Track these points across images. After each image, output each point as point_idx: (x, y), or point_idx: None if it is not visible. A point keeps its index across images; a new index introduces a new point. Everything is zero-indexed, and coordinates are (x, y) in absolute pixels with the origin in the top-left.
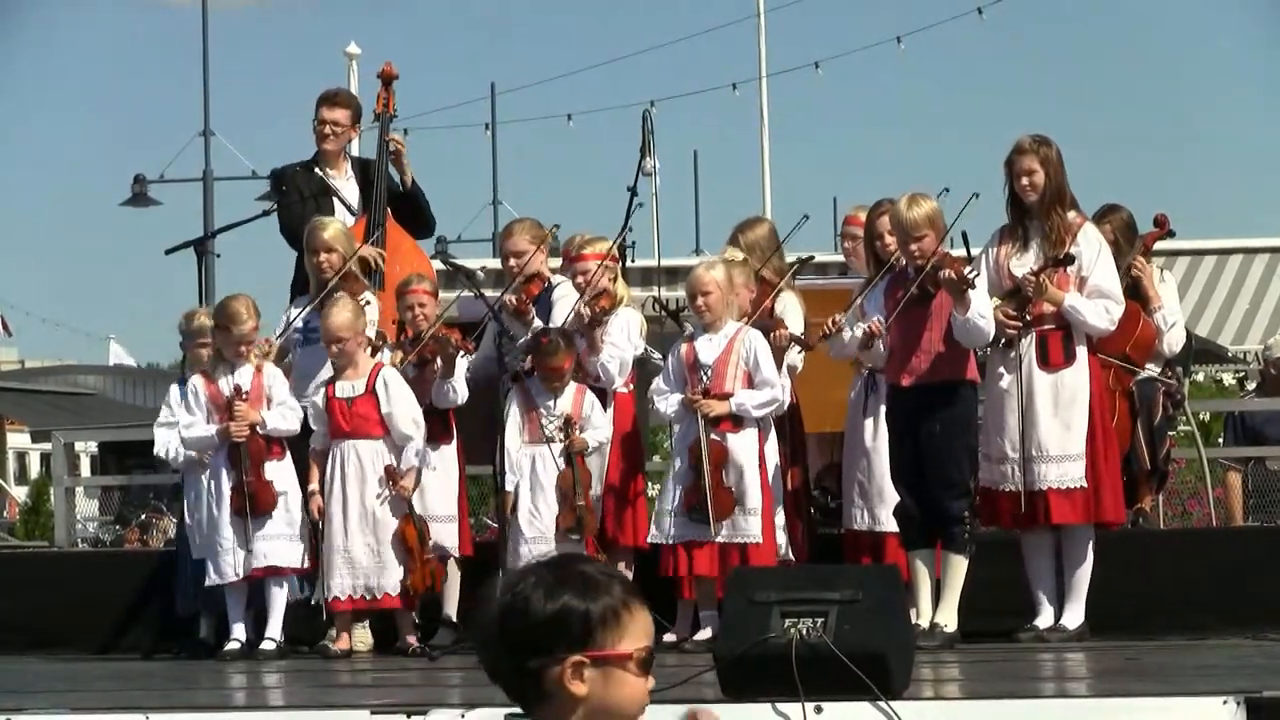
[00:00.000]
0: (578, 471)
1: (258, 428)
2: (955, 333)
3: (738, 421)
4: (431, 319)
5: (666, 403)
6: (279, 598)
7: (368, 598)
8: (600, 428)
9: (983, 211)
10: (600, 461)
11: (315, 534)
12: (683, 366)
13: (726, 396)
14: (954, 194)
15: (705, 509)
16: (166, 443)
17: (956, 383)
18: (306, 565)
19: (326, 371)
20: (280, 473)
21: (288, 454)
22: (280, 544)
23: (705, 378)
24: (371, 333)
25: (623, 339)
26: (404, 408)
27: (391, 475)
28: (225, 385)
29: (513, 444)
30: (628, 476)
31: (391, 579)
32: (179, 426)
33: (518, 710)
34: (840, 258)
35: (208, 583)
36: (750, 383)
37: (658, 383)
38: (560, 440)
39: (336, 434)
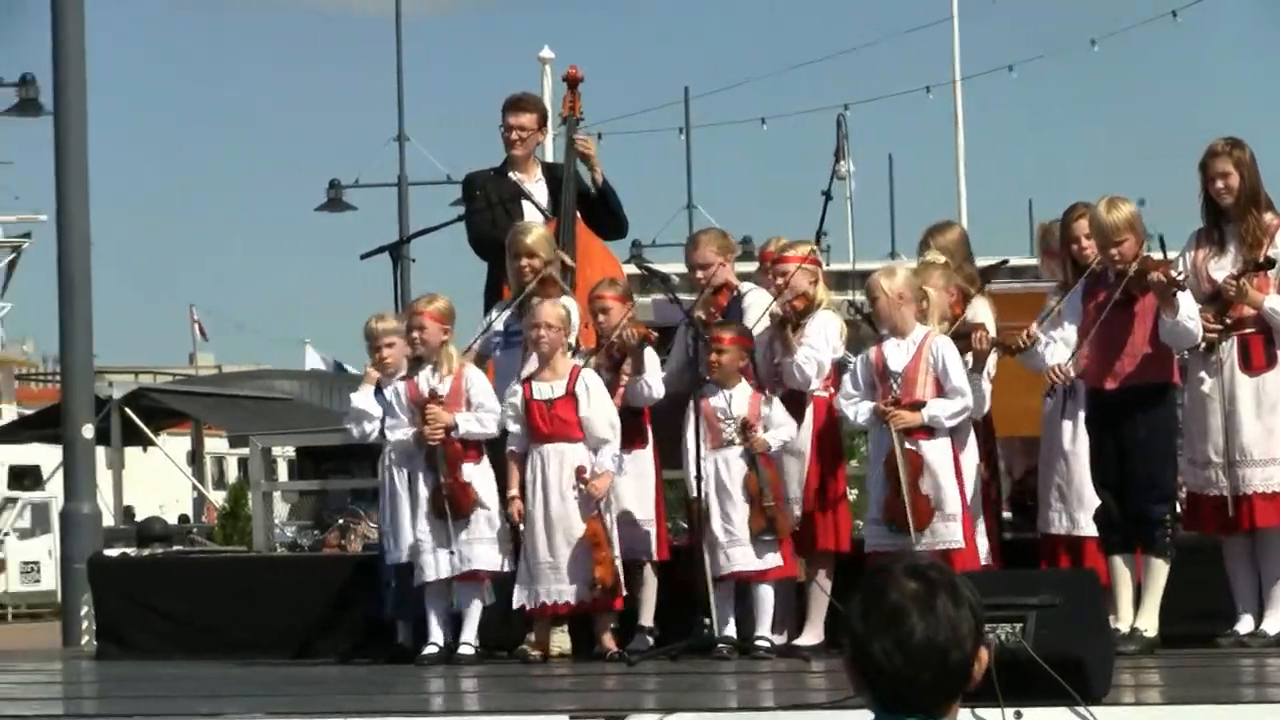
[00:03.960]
0: (763, 473)
1: (452, 431)
2: (1163, 335)
3: (931, 429)
4: (621, 324)
5: (856, 409)
6: (475, 603)
7: (566, 602)
8: (783, 426)
9: (1175, 214)
10: (799, 465)
11: (516, 537)
12: (871, 373)
13: (918, 405)
14: (1134, 194)
15: (905, 520)
16: (362, 435)
17: (1161, 385)
18: (507, 569)
19: (531, 366)
20: (478, 475)
21: (485, 458)
22: (482, 547)
23: (896, 386)
24: (572, 339)
25: (820, 341)
26: (602, 410)
27: (581, 476)
28: (424, 386)
29: (697, 450)
30: (827, 480)
31: (582, 583)
32: (385, 427)
33: None
34: (1035, 261)
35: (415, 582)
36: (940, 390)
37: (846, 387)
38: (740, 443)
39: (535, 436)
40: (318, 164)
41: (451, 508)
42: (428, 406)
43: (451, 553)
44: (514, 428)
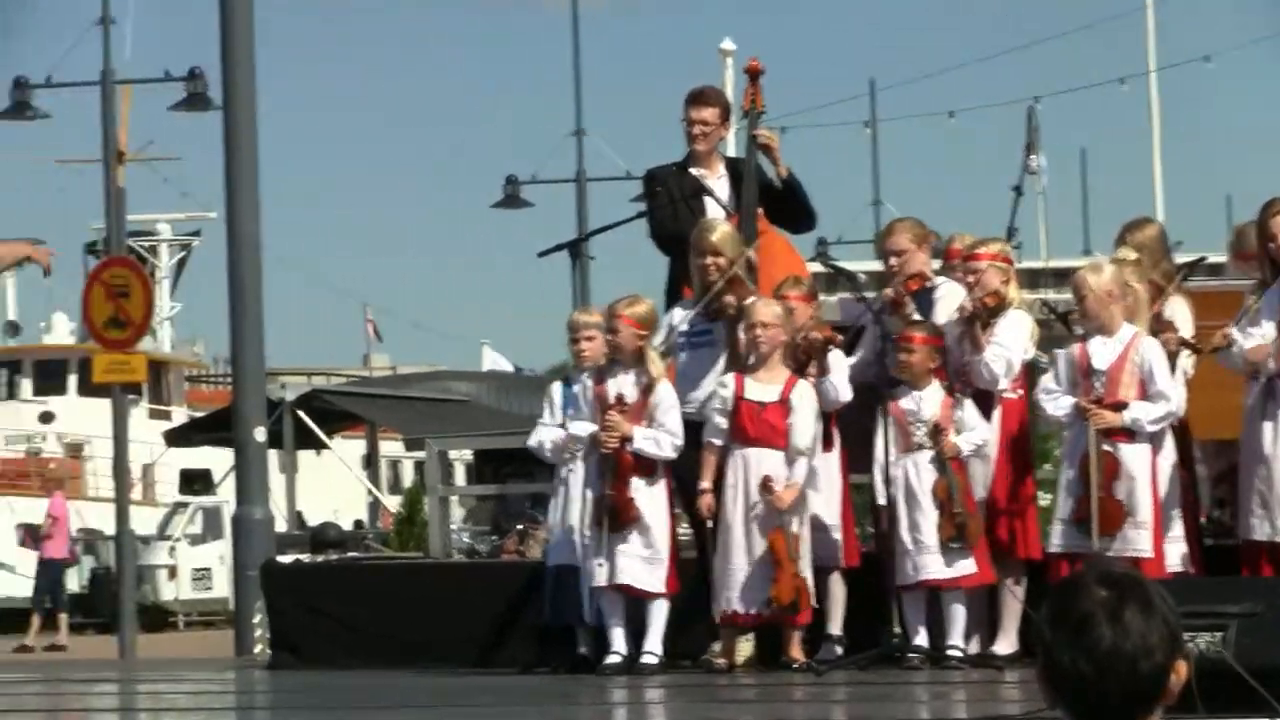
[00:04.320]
0: (953, 479)
1: (627, 443)
2: None
3: (1131, 432)
4: (806, 325)
5: (1056, 404)
6: (659, 611)
7: (753, 611)
8: (976, 430)
9: None
10: (985, 469)
11: (707, 534)
12: (1074, 370)
13: (1120, 406)
14: None
15: (1093, 522)
16: (541, 438)
17: None
18: (665, 590)
19: (714, 374)
20: (647, 493)
21: (662, 477)
22: (636, 564)
23: (1098, 385)
24: (658, 341)
25: (1010, 340)
26: (808, 422)
27: (766, 485)
28: (612, 390)
29: (885, 454)
30: (1016, 485)
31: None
32: (568, 418)
33: None
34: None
35: (583, 586)
36: (1144, 392)
37: (1045, 382)
38: (930, 447)
39: (738, 437)
40: (495, 160)
41: (611, 519)
42: (609, 413)
43: (606, 563)
44: (719, 420)
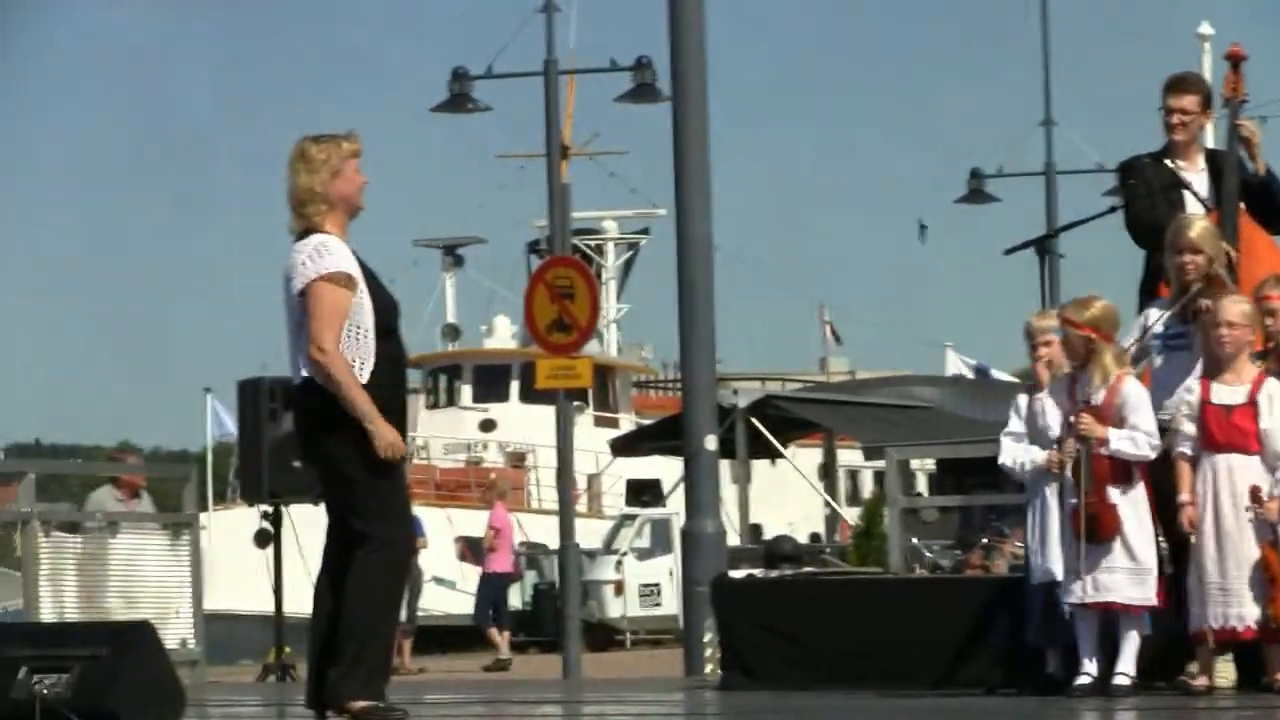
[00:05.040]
0: None
1: (1101, 447)
2: None
3: None
4: None
5: None
6: (1133, 631)
7: (1234, 629)
8: None
9: None
10: None
11: (1189, 548)
12: None
13: None
14: None
15: None
16: (1012, 454)
17: None
18: (1156, 603)
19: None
20: (1126, 501)
21: (1140, 482)
22: (1119, 578)
23: None
24: (1126, 342)
25: None
26: None
27: (1255, 495)
28: (1077, 394)
29: None
30: None
31: (1253, 609)
32: (1038, 430)
33: None
34: None
35: (1060, 605)
36: None
37: None
38: None
39: (1207, 443)
40: (958, 151)
41: (1089, 530)
42: (1080, 416)
43: (1086, 579)
44: (1188, 428)
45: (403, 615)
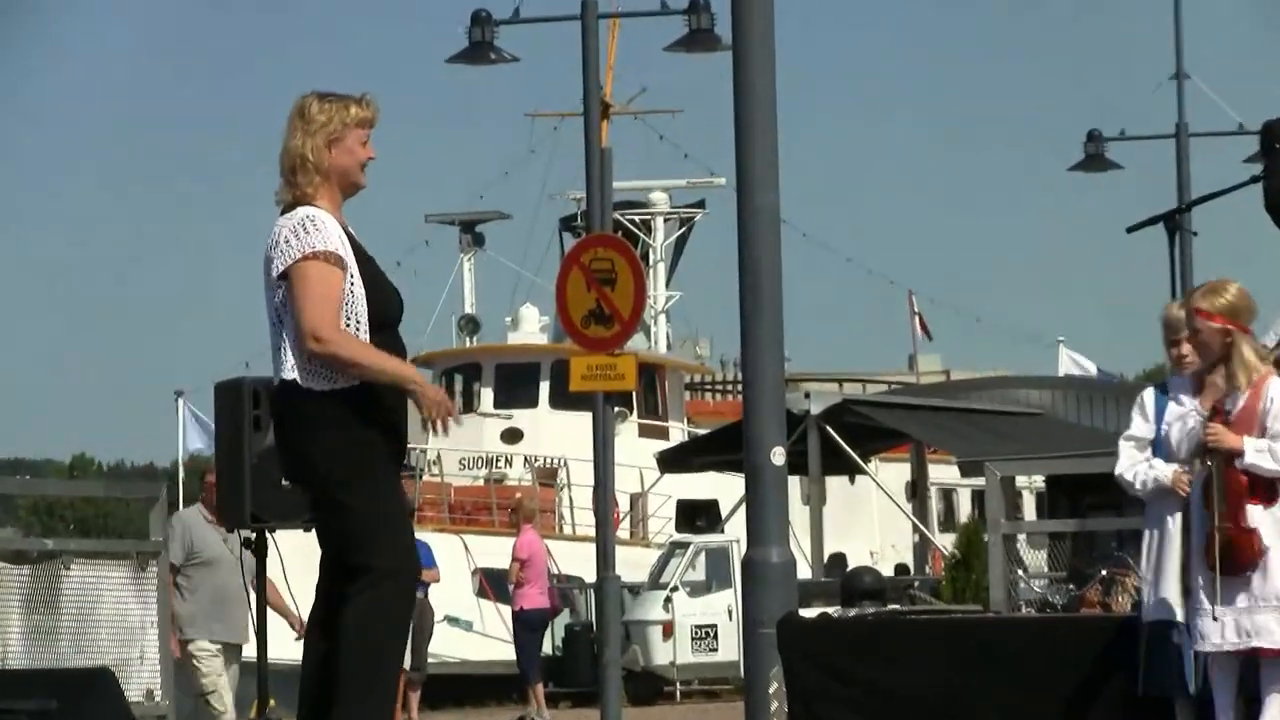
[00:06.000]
0: None
1: (1236, 460)
2: None
3: None
4: None
5: None
6: (1273, 679)
7: None
8: None
9: None
10: None
11: None
12: None
13: None
14: None
15: None
16: (1132, 464)
17: None
18: None
19: None
20: (1269, 522)
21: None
22: (1265, 618)
23: None
24: None
25: None
26: None
27: None
28: (1207, 398)
29: None
30: None
31: None
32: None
33: None
34: None
35: (1190, 648)
36: None
37: None
38: None
39: None
40: (1074, 113)
41: (1223, 559)
42: (1209, 425)
43: (1224, 620)
44: None
45: (408, 661)
